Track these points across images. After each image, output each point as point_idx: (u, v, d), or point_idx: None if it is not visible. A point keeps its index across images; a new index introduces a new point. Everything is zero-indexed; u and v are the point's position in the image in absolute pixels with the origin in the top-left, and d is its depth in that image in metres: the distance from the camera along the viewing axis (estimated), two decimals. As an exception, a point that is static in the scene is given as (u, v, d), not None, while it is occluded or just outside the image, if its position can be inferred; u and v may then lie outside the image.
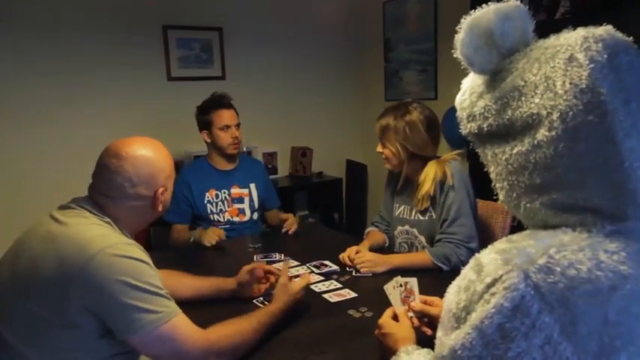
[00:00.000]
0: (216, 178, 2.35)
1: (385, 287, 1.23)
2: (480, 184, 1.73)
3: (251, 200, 2.40)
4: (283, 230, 2.23)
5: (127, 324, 1.02)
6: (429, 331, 1.14)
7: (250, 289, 1.51)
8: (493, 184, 0.79)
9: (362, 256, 1.72)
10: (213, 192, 2.34)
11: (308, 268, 1.78)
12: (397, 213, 1.93)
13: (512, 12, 0.72)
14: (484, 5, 0.74)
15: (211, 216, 2.31)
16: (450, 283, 0.77)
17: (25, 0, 2.85)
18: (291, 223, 2.25)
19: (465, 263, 0.75)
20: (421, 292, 1.19)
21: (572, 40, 0.67)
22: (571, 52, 0.66)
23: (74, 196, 1.21)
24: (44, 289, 1.03)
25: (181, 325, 1.08)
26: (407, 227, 1.89)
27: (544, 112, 0.67)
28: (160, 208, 1.24)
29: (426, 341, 1.01)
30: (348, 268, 1.74)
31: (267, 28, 3.67)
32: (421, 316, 1.16)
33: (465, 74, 0.82)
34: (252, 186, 2.41)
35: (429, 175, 1.76)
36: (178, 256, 2.04)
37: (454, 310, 0.72)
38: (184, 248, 2.15)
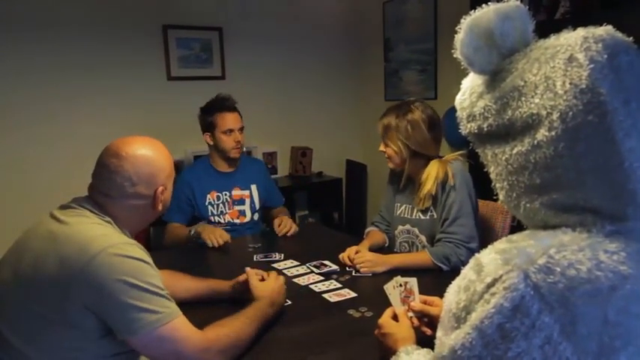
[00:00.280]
0: (218, 179, 2.34)
1: (385, 287, 1.23)
2: (480, 184, 1.74)
3: (252, 201, 2.39)
4: (280, 234, 2.19)
5: (127, 324, 1.02)
6: (428, 331, 1.14)
7: (244, 292, 1.48)
8: (493, 184, 0.79)
9: (362, 256, 1.72)
10: (215, 194, 2.33)
11: (308, 267, 1.78)
12: (398, 212, 1.93)
13: (512, 12, 0.73)
14: (484, 5, 0.74)
15: (212, 217, 2.31)
16: (450, 283, 0.77)
17: (25, 0, 2.85)
18: (284, 226, 2.21)
19: (464, 263, 0.76)
20: (421, 292, 1.19)
21: (572, 40, 0.67)
22: (571, 53, 0.66)
23: (74, 196, 1.21)
24: (45, 289, 1.03)
25: (181, 326, 1.08)
26: (408, 227, 1.89)
27: (544, 112, 0.67)
28: (160, 208, 1.24)
29: (425, 341, 1.01)
30: (347, 268, 1.74)
31: (267, 28, 3.67)
32: (421, 316, 1.16)
33: (464, 74, 0.82)
34: (253, 187, 2.40)
35: (431, 174, 1.76)
36: (178, 256, 2.03)
37: (454, 310, 0.72)
38: (184, 248, 2.15)
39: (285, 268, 1.78)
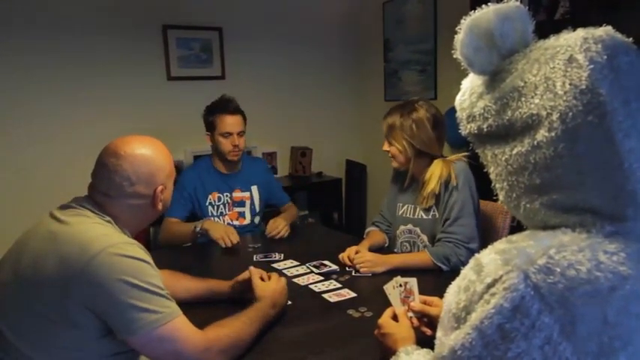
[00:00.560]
0: (219, 180, 2.33)
1: (385, 287, 1.23)
2: (481, 184, 1.74)
3: (252, 203, 2.38)
4: (269, 236, 2.15)
5: (127, 324, 1.02)
6: (428, 331, 1.14)
7: (244, 292, 1.46)
8: (493, 184, 0.80)
9: (361, 256, 1.72)
10: (216, 195, 2.32)
11: (308, 268, 1.78)
12: (400, 212, 1.93)
13: (511, 13, 0.73)
14: (484, 6, 0.74)
15: (212, 218, 2.29)
16: (450, 284, 0.77)
17: (25, 0, 2.85)
18: (273, 229, 2.16)
19: (464, 263, 0.75)
20: (421, 292, 1.19)
21: (572, 40, 0.67)
22: (571, 53, 0.66)
23: (74, 196, 1.21)
24: (46, 289, 1.03)
25: (181, 326, 1.08)
26: (410, 226, 1.89)
27: (544, 113, 0.67)
28: (160, 207, 1.24)
29: (425, 341, 1.01)
30: (347, 268, 1.74)
31: (267, 28, 3.67)
32: (421, 316, 1.17)
33: (464, 75, 0.82)
34: (254, 188, 2.39)
35: (434, 173, 1.77)
36: (178, 256, 2.03)
37: (454, 311, 0.72)
38: (184, 248, 2.15)
39: (285, 268, 1.78)
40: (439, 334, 0.76)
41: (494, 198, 0.80)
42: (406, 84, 3.67)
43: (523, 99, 0.70)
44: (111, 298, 1.01)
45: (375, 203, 3.97)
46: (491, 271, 0.67)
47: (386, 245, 1.99)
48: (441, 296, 0.81)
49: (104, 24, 3.09)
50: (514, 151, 0.72)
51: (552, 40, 0.70)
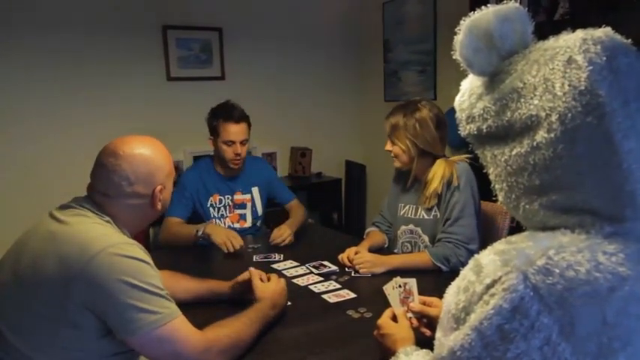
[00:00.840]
0: (221, 183, 2.31)
1: (384, 288, 1.23)
2: (480, 185, 1.74)
3: (253, 205, 2.35)
4: (272, 243, 2.07)
5: (126, 324, 1.02)
6: (428, 332, 1.14)
7: (244, 293, 1.46)
8: (492, 185, 0.80)
9: (361, 257, 1.72)
10: (217, 197, 2.30)
11: (307, 268, 1.78)
12: (402, 212, 1.93)
13: (511, 14, 0.73)
14: (483, 7, 0.74)
15: (214, 221, 2.28)
16: (449, 284, 0.77)
17: (25, 0, 2.85)
18: (278, 236, 2.08)
19: (464, 264, 0.76)
20: (420, 293, 1.19)
21: (571, 42, 0.67)
22: (570, 54, 0.66)
23: (74, 196, 1.21)
24: (46, 289, 1.03)
25: (181, 326, 1.08)
26: (411, 226, 1.89)
27: (543, 114, 0.67)
28: (159, 207, 1.23)
29: (425, 342, 1.01)
30: (347, 269, 1.74)
31: (267, 29, 3.67)
32: (420, 316, 1.17)
33: (464, 75, 0.83)
34: (255, 190, 2.36)
35: (437, 172, 1.77)
36: (178, 256, 2.03)
37: (453, 311, 0.72)
38: (184, 248, 2.14)
39: (285, 269, 1.79)
40: (438, 334, 0.76)
41: (494, 199, 0.80)
42: (406, 84, 3.68)
43: (522, 100, 0.70)
44: (110, 298, 1.01)
45: (375, 204, 3.98)
46: (490, 271, 0.67)
47: (385, 246, 1.99)
48: (441, 297, 0.81)
49: (104, 24, 3.09)
50: (513, 152, 0.72)
51: (551, 41, 0.70)
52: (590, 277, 0.63)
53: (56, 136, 3.02)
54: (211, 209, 2.29)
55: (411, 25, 3.57)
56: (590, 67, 0.64)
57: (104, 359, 1.08)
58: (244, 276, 1.45)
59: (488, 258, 0.70)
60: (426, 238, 1.84)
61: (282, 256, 1.93)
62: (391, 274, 1.53)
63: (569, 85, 0.65)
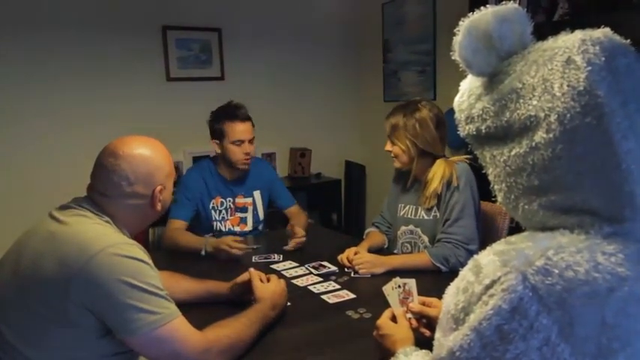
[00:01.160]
0: (222, 186, 2.29)
1: (384, 288, 1.23)
2: (479, 185, 1.74)
3: (254, 209, 2.34)
4: (289, 248, 2.01)
5: (126, 324, 1.02)
6: (427, 333, 1.14)
7: (243, 294, 1.46)
8: (492, 185, 0.80)
9: (360, 257, 1.72)
10: (219, 200, 2.28)
11: (307, 269, 1.78)
12: (402, 213, 1.93)
13: (510, 14, 0.73)
14: (482, 7, 0.74)
15: (214, 223, 2.28)
16: (449, 285, 0.77)
17: (25, 0, 2.85)
18: (297, 240, 2.02)
19: (463, 264, 0.76)
20: (420, 293, 1.19)
21: (570, 42, 0.67)
22: (569, 55, 0.66)
23: (74, 196, 1.21)
24: (45, 289, 1.03)
25: (180, 327, 1.08)
26: (411, 227, 1.89)
27: (542, 115, 0.67)
28: (159, 207, 1.23)
29: (424, 342, 1.01)
30: (346, 269, 1.74)
31: (267, 29, 3.67)
32: (419, 317, 1.17)
33: (463, 76, 0.83)
34: (256, 194, 2.34)
35: (437, 173, 1.77)
36: (177, 256, 2.03)
37: (452, 312, 0.72)
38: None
39: (284, 269, 1.79)
40: (438, 335, 0.76)
41: (494, 199, 0.80)
42: (405, 85, 3.68)
43: (521, 100, 0.70)
44: (110, 298, 1.01)
45: (375, 204, 3.98)
46: (489, 272, 0.67)
47: (385, 246, 1.99)
48: (440, 297, 0.81)
49: (104, 24, 3.09)
50: (512, 153, 0.72)
51: (550, 42, 0.71)
52: (590, 277, 0.63)
53: (56, 136, 3.02)
54: (213, 212, 2.28)
55: (411, 25, 3.57)
56: (589, 68, 0.64)
57: (104, 359, 1.08)
58: (244, 277, 1.45)
59: (488, 258, 0.70)
60: (425, 238, 1.84)
61: (281, 256, 1.93)
62: (391, 274, 1.53)
63: (567, 86, 0.65)
